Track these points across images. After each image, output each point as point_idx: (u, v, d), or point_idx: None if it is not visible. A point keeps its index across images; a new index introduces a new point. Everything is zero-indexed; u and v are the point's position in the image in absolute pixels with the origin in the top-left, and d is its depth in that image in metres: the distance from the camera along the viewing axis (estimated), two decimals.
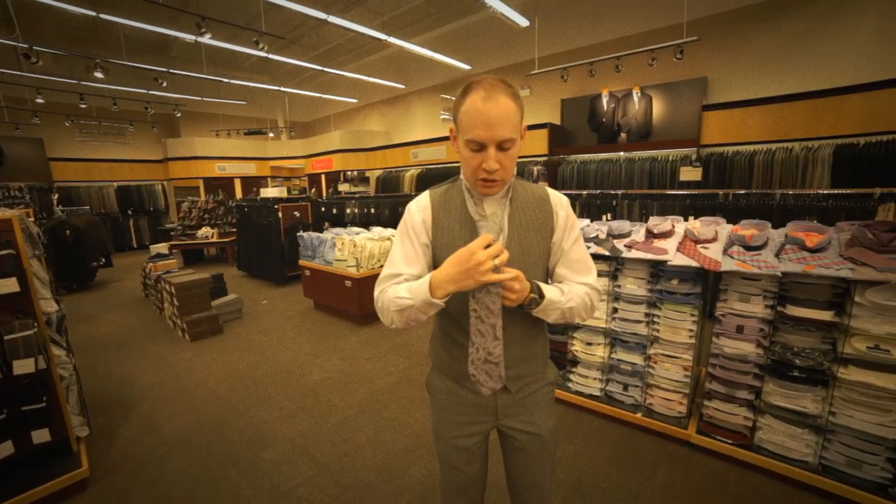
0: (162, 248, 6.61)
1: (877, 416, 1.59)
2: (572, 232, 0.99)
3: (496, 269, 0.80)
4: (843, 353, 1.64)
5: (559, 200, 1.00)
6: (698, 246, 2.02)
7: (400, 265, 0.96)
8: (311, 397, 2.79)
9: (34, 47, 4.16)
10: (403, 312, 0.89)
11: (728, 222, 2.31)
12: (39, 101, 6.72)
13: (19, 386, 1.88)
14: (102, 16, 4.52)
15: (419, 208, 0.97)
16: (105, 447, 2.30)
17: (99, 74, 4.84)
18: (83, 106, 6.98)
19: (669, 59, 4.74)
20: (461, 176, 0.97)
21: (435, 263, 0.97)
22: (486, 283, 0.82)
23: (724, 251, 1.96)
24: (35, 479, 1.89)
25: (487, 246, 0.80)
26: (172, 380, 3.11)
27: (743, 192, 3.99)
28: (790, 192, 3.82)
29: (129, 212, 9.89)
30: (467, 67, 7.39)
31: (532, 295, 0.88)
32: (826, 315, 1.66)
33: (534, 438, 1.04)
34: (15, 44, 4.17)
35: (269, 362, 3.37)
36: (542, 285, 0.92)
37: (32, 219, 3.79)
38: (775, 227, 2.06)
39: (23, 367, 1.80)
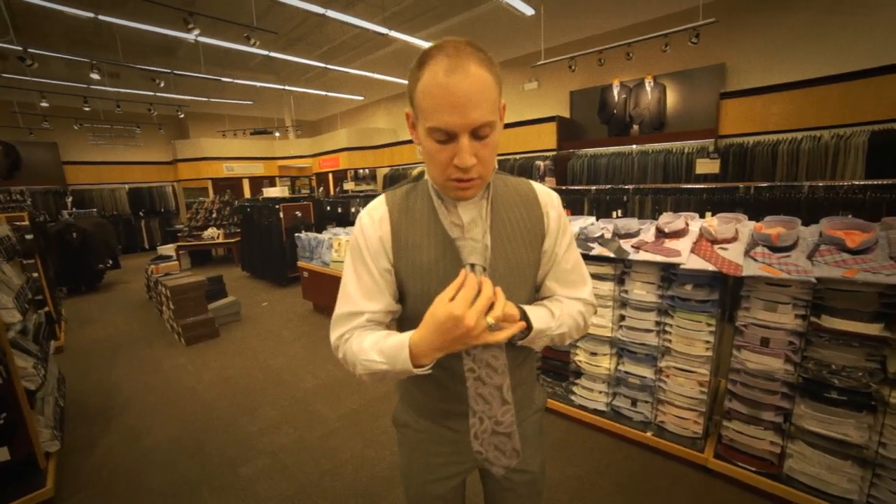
0: (169, 249, 6.63)
1: None
2: (565, 236, 0.80)
3: (494, 326, 0.61)
4: None
5: (549, 198, 0.80)
6: (716, 246, 1.78)
7: (358, 300, 0.75)
8: (299, 406, 2.65)
9: (29, 50, 4.12)
10: (376, 375, 0.70)
11: (750, 219, 2.06)
12: (44, 104, 6.78)
13: None
14: (101, 17, 4.48)
15: (373, 221, 0.75)
16: (79, 461, 2.20)
17: (95, 76, 4.80)
18: (87, 109, 7.02)
19: (684, 44, 4.43)
20: (425, 174, 0.77)
21: (401, 291, 0.77)
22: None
23: (746, 252, 1.72)
24: None
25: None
26: (161, 387, 3.01)
27: (766, 184, 3.67)
28: (819, 185, 3.48)
29: (141, 213, 10.00)
30: (429, 45, 7.19)
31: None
32: (872, 328, 1.41)
33: (523, 476, 0.88)
34: (10, 47, 4.14)
35: (262, 368, 3.25)
36: (530, 311, 0.72)
37: (27, 223, 3.77)
38: (805, 223, 1.80)
39: None
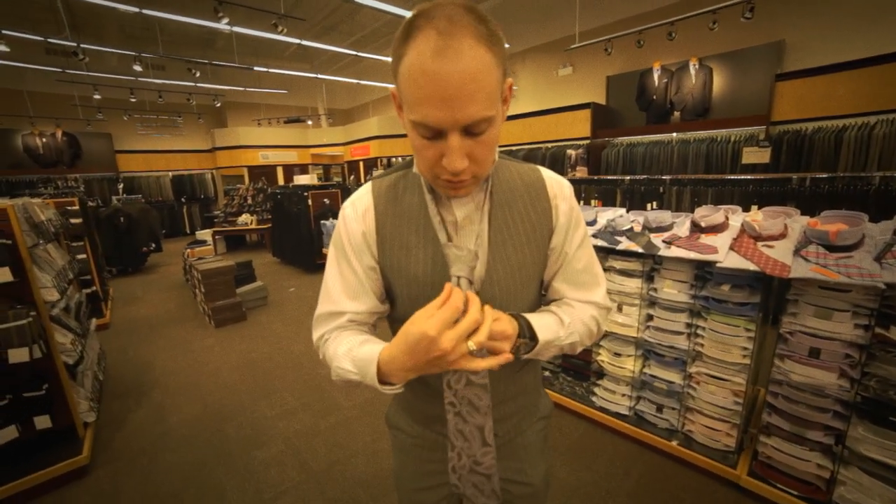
0: (206, 234, 6.95)
1: None
2: (577, 231, 0.70)
3: (477, 353, 0.52)
4: None
5: (559, 187, 0.70)
6: (759, 244, 1.59)
7: (340, 299, 0.69)
8: (315, 393, 2.68)
9: (81, 45, 4.35)
10: (350, 384, 0.64)
11: (803, 213, 1.83)
12: (97, 97, 7.20)
13: (22, 373, 1.90)
14: (145, 11, 4.66)
15: (357, 214, 0.68)
16: (112, 433, 2.33)
17: (137, 68, 5.04)
18: (133, 100, 7.41)
19: (735, 20, 4.02)
20: (417, 168, 0.68)
21: (387, 289, 0.71)
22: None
23: (796, 251, 1.52)
24: (37, 464, 1.91)
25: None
26: (189, 367, 3.15)
27: (825, 175, 3.28)
28: (895, 175, 3.06)
29: (183, 199, 10.54)
30: (505, 46, 6.93)
31: (521, 340, 0.61)
32: None
33: (523, 490, 0.80)
34: (64, 42, 4.40)
35: (283, 353, 3.32)
36: (535, 320, 0.64)
37: (77, 207, 4.02)
38: (875, 220, 1.57)
39: (17, 356, 1.80)
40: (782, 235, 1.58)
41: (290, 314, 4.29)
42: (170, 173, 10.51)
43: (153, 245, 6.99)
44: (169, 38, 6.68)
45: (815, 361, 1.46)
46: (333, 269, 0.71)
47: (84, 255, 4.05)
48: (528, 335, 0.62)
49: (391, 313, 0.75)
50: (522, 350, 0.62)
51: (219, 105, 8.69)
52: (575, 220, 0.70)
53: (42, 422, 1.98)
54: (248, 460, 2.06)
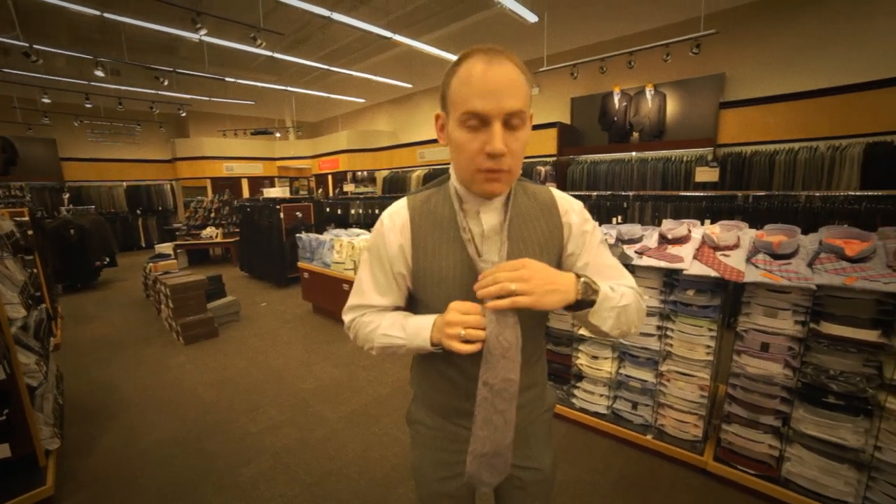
0: (166, 248, 6.60)
1: None
2: (593, 238, 0.80)
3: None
4: (893, 379, 1.42)
5: (569, 205, 0.81)
6: (718, 253, 1.81)
7: (371, 295, 0.82)
8: (300, 407, 2.65)
9: (34, 46, 4.11)
10: (387, 350, 0.78)
11: (749, 227, 2.10)
12: (46, 100, 6.75)
13: None
14: (107, 15, 4.49)
15: (395, 228, 0.78)
16: (78, 460, 2.19)
17: (99, 73, 4.80)
18: (88, 105, 7.01)
19: (685, 54, 4.50)
20: (450, 178, 0.78)
21: (416, 291, 0.81)
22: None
23: (748, 259, 1.75)
24: None
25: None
26: (161, 386, 3.00)
27: (763, 193, 3.72)
28: (816, 194, 3.54)
29: (138, 211, 9.94)
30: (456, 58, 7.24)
31: (582, 284, 0.68)
32: (870, 335, 1.44)
33: (533, 474, 0.89)
34: (14, 42, 4.13)
35: (262, 368, 3.24)
36: (589, 278, 0.72)
37: (27, 218, 3.75)
38: (803, 232, 1.84)
39: None
40: (736, 246, 1.82)
41: (265, 329, 4.18)
42: (124, 183, 9.91)
43: (107, 259, 6.55)
44: (126, 43, 6.38)
45: (765, 354, 1.68)
46: (366, 270, 0.83)
47: (35, 270, 3.76)
48: (589, 289, 0.69)
49: (422, 310, 0.82)
50: (585, 304, 0.69)
51: (184, 115, 8.37)
52: (590, 229, 0.80)
53: (0, 451, 1.84)
54: (236, 477, 2.02)
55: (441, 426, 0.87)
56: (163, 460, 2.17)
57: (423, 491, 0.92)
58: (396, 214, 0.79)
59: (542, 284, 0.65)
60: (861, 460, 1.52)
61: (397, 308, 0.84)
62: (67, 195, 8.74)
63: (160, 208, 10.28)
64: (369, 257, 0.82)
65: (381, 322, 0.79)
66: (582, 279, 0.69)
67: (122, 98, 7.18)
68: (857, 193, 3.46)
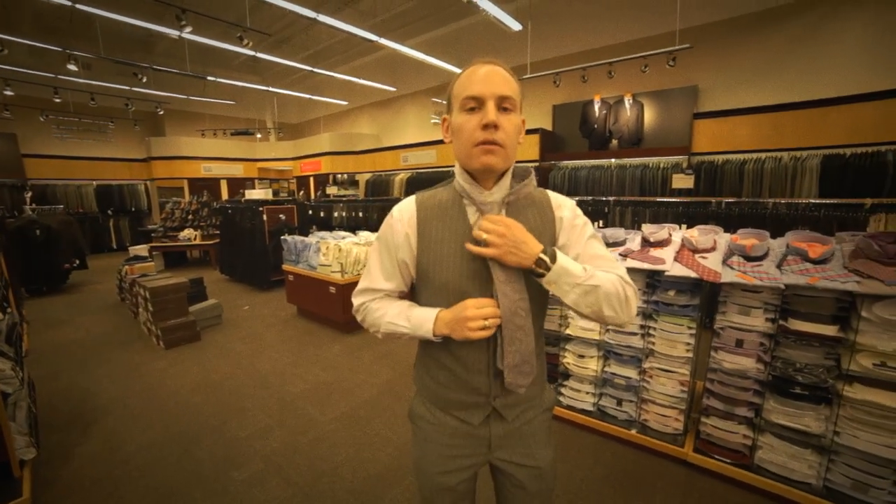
0: (142, 249, 6.35)
1: (884, 438, 1.51)
2: (584, 231, 0.86)
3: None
4: (849, 370, 1.56)
5: (562, 201, 0.89)
6: (696, 256, 1.93)
7: (378, 279, 0.91)
8: (289, 411, 2.63)
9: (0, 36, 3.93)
10: (392, 336, 0.88)
11: (722, 231, 2.24)
12: (8, 93, 6.42)
13: None
14: (79, 6, 4.33)
15: (403, 219, 0.86)
16: (57, 469, 2.11)
17: (72, 67, 4.62)
18: (57, 100, 6.70)
19: (662, 66, 4.72)
20: (455, 177, 0.86)
21: (421, 277, 0.88)
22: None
23: (724, 261, 1.88)
24: None
25: None
26: (141, 391, 2.92)
27: (734, 200, 3.96)
28: (781, 202, 3.80)
29: (109, 212, 9.55)
30: (459, 71, 7.31)
31: (542, 256, 0.76)
32: (830, 330, 1.58)
33: (533, 473, 0.93)
34: None
35: (248, 372, 3.19)
36: (559, 252, 0.78)
37: None
38: (773, 236, 1.99)
39: None
40: (713, 249, 1.95)
41: (249, 332, 4.11)
42: (94, 182, 9.50)
43: (76, 262, 6.27)
44: (97, 36, 6.10)
45: (739, 350, 1.81)
46: (375, 257, 0.91)
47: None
48: (548, 255, 0.76)
49: (424, 292, 0.90)
50: (541, 269, 0.76)
51: (162, 113, 8.11)
52: (581, 223, 0.87)
53: None
54: (227, 482, 1.99)
55: (441, 421, 0.91)
56: (148, 466, 2.12)
57: (425, 485, 0.95)
58: (405, 208, 0.88)
59: (510, 244, 0.75)
60: (822, 445, 1.65)
61: (401, 293, 0.93)
62: (30, 194, 8.30)
63: (133, 209, 9.91)
64: (378, 245, 0.91)
65: (388, 310, 0.88)
66: (545, 253, 0.76)
67: (94, 94, 6.90)
68: (816, 201, 3.73)
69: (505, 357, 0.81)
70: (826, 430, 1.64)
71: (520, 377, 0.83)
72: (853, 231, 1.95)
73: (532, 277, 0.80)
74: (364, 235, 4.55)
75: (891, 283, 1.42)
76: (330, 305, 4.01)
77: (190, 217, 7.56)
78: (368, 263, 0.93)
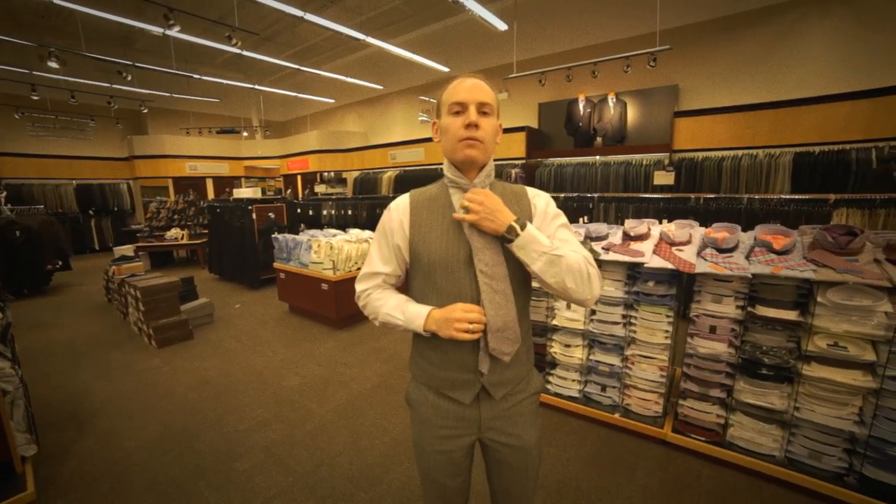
0: (127, 250, 6.28)
1: (835, 410, 1.67)
2: (555, 220, 0.97)
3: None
4: (807, 350, 1.71)
5: (536, 193, 1.01)
6: (673, 248, 2.07)
7: (377, 264, 1.03)
8: (286, 404, 2.70)
9: None
10: (387, 325, 0.99)
11: (700, 225, 2.38)
12: None
13: None
14: (56, 1, 4.24)
15: (399, 209, 1.00)
16: (56, 466, 2.14)
17: (53, 64, 4.52)
18: (35, 98, 6.53)
19: (643, 66, 4.88)
20: (444, 172, 0.99)
21: (413, 260, 0.99)
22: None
23: (698, 253, 2.02)
24: None
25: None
26: (136, 389, 2.94)
27: (713, 196, 4.14)
28: (756, 197, 4.00)
29: (91, 212, 9.35)
30: (446, 69, 7.38)
31: (513, 224, 0.86)
32: (791, 315, 1.73)
33: (518, 451, 1.01)
34: None
35: (242, 369, 3.24)
36: (529, 224, 0.89)
37: None
38: (744, 230, 2.14)
39: None
40: (688, 242, 2.08)
41: (242, 330, 4.13)
42: (73, 182, 9.28)
43: (59, 263, 6.16)
44: (75, 31, 5.93)
45: (713, 336, 1.95)
46: (375, 244, 1.04)
47: None
48: (518, 224, 0.86)
49: (416, 275, 1.00)
50: (510, 235, 0.86)
51: (146, 111, 7.96)
52: (552, 213, 0.98)
53: None
54: (229, 472, 2.06)
55: (435, 402, 1.00)
56: (150, 461, 2.16)
57: (423, 460, 1.05)
58: (401, 200, 1.02)
59: (487, 213, 0.87)
60: (784, 420, 1.81)
61: (397, 278, 1.05)
62: (4, 193, 8.06)
63: (116, 209, 9.72)
64: (377, 235, 1.03)
65: (388, 301, 0.99)
66: (517, 223, 0.87)
67: (75, 91, 6.75)
68: (787, 196, 3.94)
69: (487, 319, 0.89)
70: (788, 407, 1.79)
71: (504, 343, 0.92)
72: (815, 224, 2.11)
73: (506, 245, 0.90)
74: (354, 233, 4.60)
75: (842, 271, 1.56)
76: (322, 302, 4.07)
77: (176, 216, 7.47)
78: (370, 251, 1.05)
